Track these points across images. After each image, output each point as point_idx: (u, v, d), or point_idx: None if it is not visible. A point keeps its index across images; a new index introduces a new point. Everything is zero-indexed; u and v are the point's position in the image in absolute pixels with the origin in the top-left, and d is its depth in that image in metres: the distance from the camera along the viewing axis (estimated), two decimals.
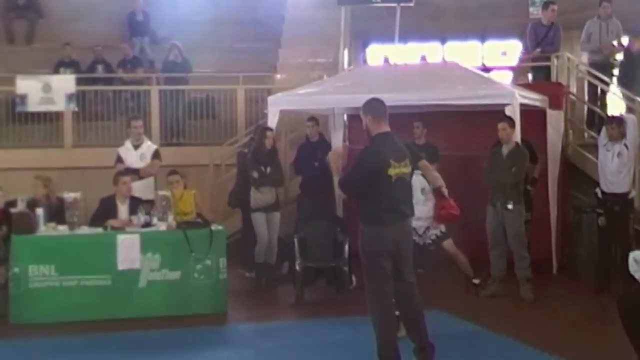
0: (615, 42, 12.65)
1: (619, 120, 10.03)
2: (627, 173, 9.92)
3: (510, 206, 9.59)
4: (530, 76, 13.72)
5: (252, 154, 10.71)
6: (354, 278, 9.74)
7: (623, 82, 12.19)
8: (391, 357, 6.55)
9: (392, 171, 6.54)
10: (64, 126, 13.48)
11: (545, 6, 13.07)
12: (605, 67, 12.53)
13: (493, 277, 9.84)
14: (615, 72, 12.80)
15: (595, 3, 12.88)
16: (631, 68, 12.32)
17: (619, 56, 12.95)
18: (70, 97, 12.86)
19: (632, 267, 6.36)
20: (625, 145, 9.85)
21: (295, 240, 9.99)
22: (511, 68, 15.55)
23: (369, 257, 6.62)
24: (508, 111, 9.97)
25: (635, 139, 10.13)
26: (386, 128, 6.71)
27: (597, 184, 10.16)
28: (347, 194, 6.69)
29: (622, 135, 9.85)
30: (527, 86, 12.01)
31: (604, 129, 10.21)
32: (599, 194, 10.06)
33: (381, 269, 6.56)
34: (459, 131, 11.10)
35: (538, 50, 12.72)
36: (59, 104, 12.86)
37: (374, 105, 6.78)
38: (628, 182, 9.97)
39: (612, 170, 9.91)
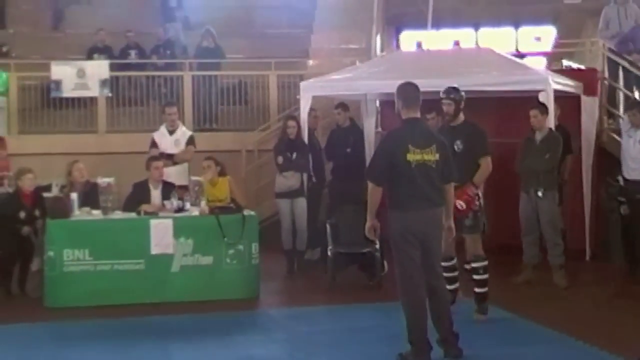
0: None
1: None
2: None
3: (540, 193, 9.51)
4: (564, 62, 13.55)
5: (277, 141, 10.89)
6: (385, 264, 9.73)
7: None
8: (422, 343, 6.52)
9: (411, 157, 6.48)
10: (97, 111, 13.54)
11: None
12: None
13: (526, 263, 9.78)
14: None
15: None
16: None
17: None
18: (104, 83, 13.00)
19: None
20: None
21: (327, 226, 10.00)
22: (545, 54, 15.39)
23: (396, 243, 6.60)
24: (542, 97, 9.88)
25: None
26: (415, 114, 6.68)
27: None
28: (373, 181, 6.59)
29: None
30: (562, 72, 11.88)
31: (626, 116, 10.10)
32: (621, 181, 9.93)
33: (409, 256, 6.53)
34: (494, 118, 11.00)
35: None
36: (93, 90, 13.01)
37: (406, 89, 6.74)
38: None
39: (633, 156, 9.79)
